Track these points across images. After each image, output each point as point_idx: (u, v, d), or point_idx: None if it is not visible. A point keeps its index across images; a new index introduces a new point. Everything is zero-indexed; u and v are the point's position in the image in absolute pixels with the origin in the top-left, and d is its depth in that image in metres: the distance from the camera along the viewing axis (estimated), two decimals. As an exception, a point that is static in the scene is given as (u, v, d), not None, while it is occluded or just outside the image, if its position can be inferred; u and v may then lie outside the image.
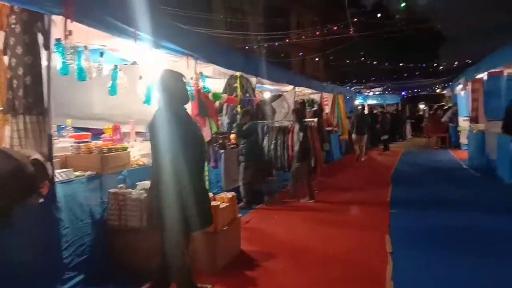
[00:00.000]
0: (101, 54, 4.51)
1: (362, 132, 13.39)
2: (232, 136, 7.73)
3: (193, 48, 5.54)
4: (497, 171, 8.30)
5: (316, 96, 13.68)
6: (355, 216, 6.16)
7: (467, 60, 19.12)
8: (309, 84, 12.33)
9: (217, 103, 8.23)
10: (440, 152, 15.12)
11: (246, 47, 15.95)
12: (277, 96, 11.42)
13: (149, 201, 3.06)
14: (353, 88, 21.83)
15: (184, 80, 3.14)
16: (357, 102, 20.96)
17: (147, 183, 4.34)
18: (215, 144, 6.40)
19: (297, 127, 7.41)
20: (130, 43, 4.35)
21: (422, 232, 5.05)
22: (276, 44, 17.55)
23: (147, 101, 4.99)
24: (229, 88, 8.32)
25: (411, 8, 40.05)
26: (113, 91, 4.57)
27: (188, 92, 3.33)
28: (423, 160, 12.85)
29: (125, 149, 4.52)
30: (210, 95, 6.45)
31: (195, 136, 3.04)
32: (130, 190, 4.19)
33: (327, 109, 14.38)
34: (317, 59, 26.02)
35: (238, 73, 8.06)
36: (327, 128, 12.71)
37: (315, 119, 8.41)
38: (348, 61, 25.19)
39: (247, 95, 8.29)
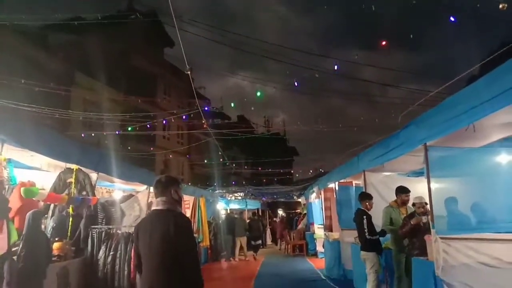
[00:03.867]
0: None
1: (240, 235, 15.32)
2: (56, 245, 5.97)
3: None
4: (355, 283, 8.05)
5: (175, 198, 12.62)
6: None
7: (320, 170, 20.81)
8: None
9: (41, 203, 6.53)
10: (298, 260, 14.98)
11: (83, 135, 14.16)
12: (129, 196, 9.99)
13: None
14: (216, 191, 21.43)
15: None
16: (220, 205, 20.48)
17: None
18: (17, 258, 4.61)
19: None
20: None
21: None
22: (117, 132, 15.71)
23: None
24: (61, 183, 6.76)
25: (269, 122, 44.38)
26: None
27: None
28: (283, 270, 12.34)
29: None
30: (21, 190, 4.87)
31: None
32: None
33: (187, 213, 13.36)
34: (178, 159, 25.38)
35: (74, 166, 6.66)
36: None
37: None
38: (206, 161, 25.36)
39: (84, 193, 6.80)
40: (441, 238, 4.73)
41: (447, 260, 4.67)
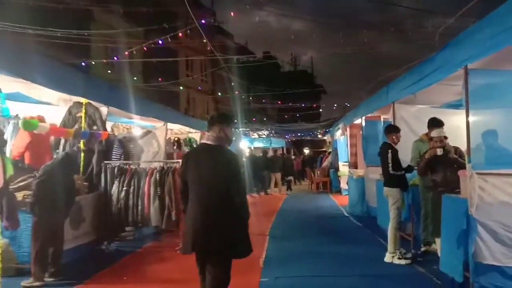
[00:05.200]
0: None
1: (275, 171, 16.61)
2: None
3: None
4: (378, 221, 7.74)
5: (196, 135, 12.40)
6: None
7: (346, 104, 20.09)
8: (185, 121, 10.98)
9: (52, 138, 6.36)
10: (322, 197, 14.88)
11: (84, 64, 13.28)
12: (147, 133, 9.79)
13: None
14: (239, 129, 21.17)
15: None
16: (244, 144, 20.35)
17: None
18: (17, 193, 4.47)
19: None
20: None
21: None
22: (116, 59, 14.22)
23: None
24: (71, 118, 6.53)
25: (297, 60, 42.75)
26: None
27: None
28: (305, 206, 12.25)
29: None
30: (20, 123, 4.61)
31: None
32: None
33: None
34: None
35: (84, 100, 6.36)
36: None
37: (179, 161, 6.89)
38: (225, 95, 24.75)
39: (94, 127, 6.56)
40: (478, 173, 4.20)
41: (482, 198, 4.18)
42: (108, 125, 10.02)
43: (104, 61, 13.83)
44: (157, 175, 6.32)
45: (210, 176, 3.21)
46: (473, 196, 4.18)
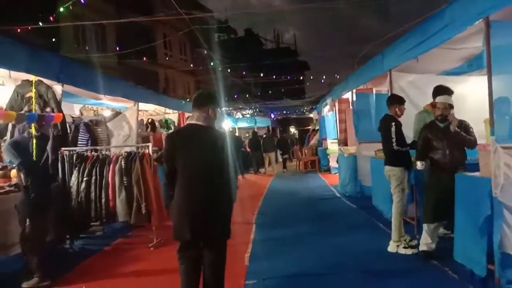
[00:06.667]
0: None
1: (269, 151, 16.52)
2: (13, 173, 4.99)
3: None
4: (374, 201, 7.08)
5: (174, 116, 11.49)
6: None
7: (336, 75, 19.36)
8: (160, 101, 10.02)
9: (-1, 122, 5.41)
10: (310, 176, 14.25)
11: (19, 30, 11.38)
12: (116, 114, 8.85)
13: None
14: (222, 109, 20.20)
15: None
16: (227, 124, 19.48)
17: None
18: None
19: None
20: None
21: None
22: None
23: None
24: (19, 99, 5.59)
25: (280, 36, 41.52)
26: None
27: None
28: (294, 187, 11.57)
29: None
30: None
31: None
32: None
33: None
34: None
35: (33, 78, 5.40)
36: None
37: (149, 144, 6.03)
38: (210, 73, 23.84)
39: (48, 109, 5.63)
40: (503, 147, 3.48)
41: (508, 177, 3.47)
42: (77, 108, 9.13)
43: (40, 24, 12.06)
44: (123, 162, 5.45)
45: (205, 159, 3.09)
46: (498, 175, 3.47)
